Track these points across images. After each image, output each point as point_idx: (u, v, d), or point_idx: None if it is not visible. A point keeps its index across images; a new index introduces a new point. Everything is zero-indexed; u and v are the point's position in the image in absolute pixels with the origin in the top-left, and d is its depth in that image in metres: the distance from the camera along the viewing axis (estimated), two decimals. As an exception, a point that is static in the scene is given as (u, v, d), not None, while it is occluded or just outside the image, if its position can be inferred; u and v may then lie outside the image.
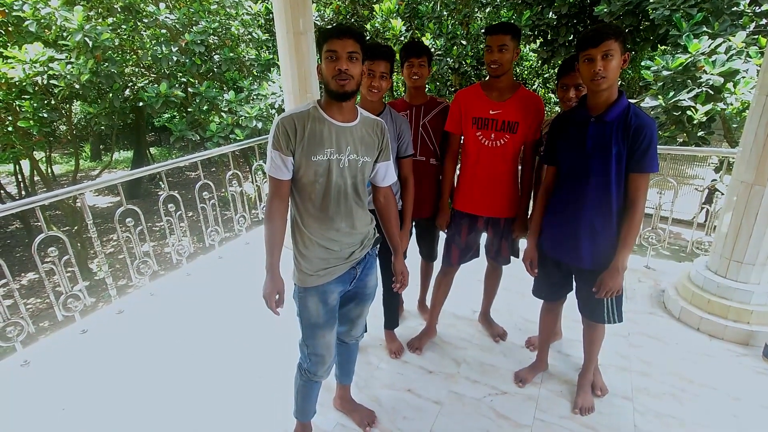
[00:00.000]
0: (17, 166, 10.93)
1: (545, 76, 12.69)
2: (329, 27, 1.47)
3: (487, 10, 7.88)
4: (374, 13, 7.25)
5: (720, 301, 2.57)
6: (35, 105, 6.04)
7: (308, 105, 1.53)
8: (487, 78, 2.19)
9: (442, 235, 2.53)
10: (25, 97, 5.99)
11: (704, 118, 4.38)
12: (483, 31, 2.14)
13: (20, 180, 11.40)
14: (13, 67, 5.37)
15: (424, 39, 6.88)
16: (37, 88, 5.87)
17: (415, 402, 2.16)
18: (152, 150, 17.57)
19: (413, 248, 2.59)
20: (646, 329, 2.66)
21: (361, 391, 2.23)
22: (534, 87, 12.77)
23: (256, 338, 2.65)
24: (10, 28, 6.13)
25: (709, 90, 4.30)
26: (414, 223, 2.49)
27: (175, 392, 2.25)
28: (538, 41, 7.18)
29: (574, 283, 2.03)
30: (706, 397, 2.14)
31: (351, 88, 1.46)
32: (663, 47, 5.88)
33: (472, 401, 2.15)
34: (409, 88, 2.35)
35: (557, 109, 14.23)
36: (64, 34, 5.68)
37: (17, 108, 6.31)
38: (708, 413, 2.05)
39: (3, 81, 5.53)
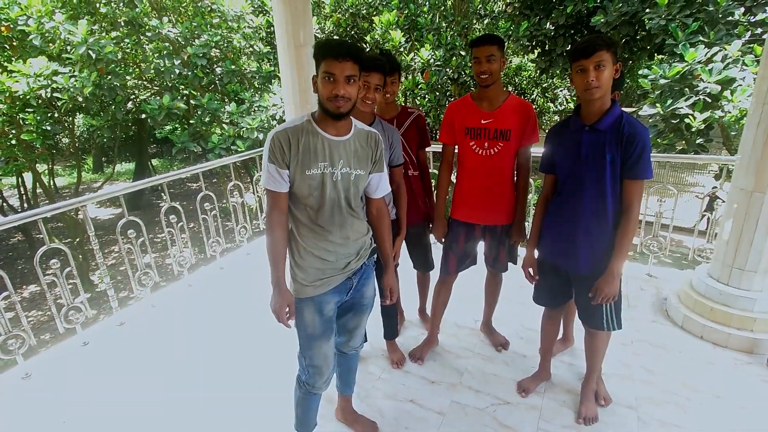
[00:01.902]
0: (20, 179, 10.99)
1: (543, 85, 12.80)
2: (327, 42, 1.42)
3: (486, 22, 7.97)
4: (374, 25, 7.33)
5: (722, 309, 2.56)
6: (39, 118, 6.11)
7: (302, 118, 1.52)
8: (476, 89, 2.22)
9: (436, 243, 2.53)
10: (29, 110, 6.06)
11: (702, 126, 4.41)
12: (469, 44, 2.15)
13: (23, 192, 11.46)
14: (17, 81, 5.44)
15: (423, 50, 6.94)
16: (40, 102, 5.93)
17: (417, 412, 2.15)
18: (154, 162, 17.69)
19: (409, 259, 2.60)
20: (649, 337, 2.65)
21: (363, 402, 2.21)
22: (533, 97, 12.87)
23: (258, 349, 2.64)
24: (14, 43, 6.22)
25: (706, 98, 4.33)
26: None
27: (177, 404, 2.24)
28: (536, 51, 7.25)
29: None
30: (710, 406, 2.13)
31: (347, 110, 1.46)
32: (660, 56, 5.94)
33: (475, 411, 2.14)
34: (379, 102, 2.34)
35: (556, 118, 14.33)
36: (68, 47, 5.77)
37: (21, 121, 6.38)
38: (713, 422, 2.03)
39: (7, 95, 5.60)
